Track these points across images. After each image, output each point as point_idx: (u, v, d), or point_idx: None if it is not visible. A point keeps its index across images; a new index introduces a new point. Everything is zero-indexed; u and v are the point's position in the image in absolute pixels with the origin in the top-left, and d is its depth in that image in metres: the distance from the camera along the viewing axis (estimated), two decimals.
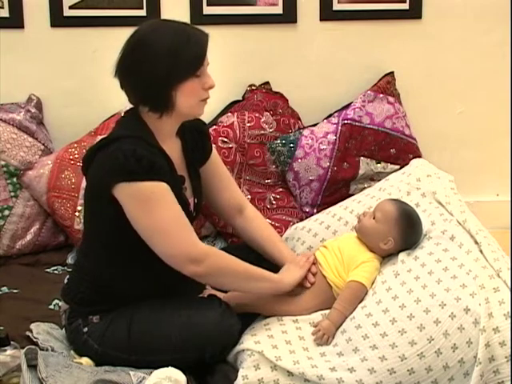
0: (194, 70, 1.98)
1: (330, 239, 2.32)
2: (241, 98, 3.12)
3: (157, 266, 2.01)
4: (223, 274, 2.03)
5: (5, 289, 2.55)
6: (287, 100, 3.13)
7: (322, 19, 3.14)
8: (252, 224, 2.32)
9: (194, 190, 2.18)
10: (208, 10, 3.05)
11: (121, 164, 1.92)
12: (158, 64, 1.96)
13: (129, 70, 2.01)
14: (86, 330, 2.05)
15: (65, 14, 2.98)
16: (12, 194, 2.85)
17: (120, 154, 1.93)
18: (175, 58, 1.96)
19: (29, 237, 2.85)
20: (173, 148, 2.11)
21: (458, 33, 3.22)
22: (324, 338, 2.02)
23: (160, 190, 1.95)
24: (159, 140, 2.05)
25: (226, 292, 2.17)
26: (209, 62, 2.03)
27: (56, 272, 2.72)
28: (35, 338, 2.11)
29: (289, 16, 3.11)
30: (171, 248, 1.97)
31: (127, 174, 1.92)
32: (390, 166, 3.06)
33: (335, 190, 3.03)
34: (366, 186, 3.01)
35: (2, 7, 2.95)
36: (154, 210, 1.94)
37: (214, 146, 2.32)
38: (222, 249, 2.74)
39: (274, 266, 2.27)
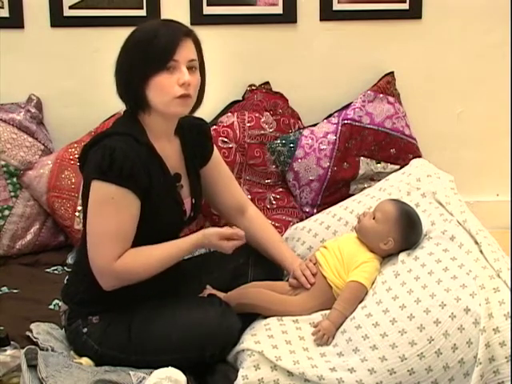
0: (161, 63, 1.96)
1: (330, 239, 2.32)
2: (241, 98, 3.12)
3: None
4: (138, 275, 2.00)
5: (5, 289, 2.55)
6: (287, 100, 3.13)
7: (321, 19, 3.14)
8: (253, 224, 2.32)
9: (193, 190, 2.17)
10: (208, 9, 3.05)
11: (97, 161, 1.95)
12: (128, 60, 1.99)
13: (115, 70, 2.04)
14: (85, 330, 2.05)
15: (65, 14, 2.99)
16: (12, 194, 2.85)
17: (101, 151, 1.95)
18: (142, 52, 1.97)
19: (29, 237, 2.85)
20: (169, 147, 2.11)
21: (458, 33, 3.22)
22: (324, 338, 2.02)
23: (121, 197, 1.95)
24: (152, 138, 2.05)
25: (226, 292, 2.17)
26: (193, 58, 2.00)
27: (56, 272, 2.72)
28: (35, 338, 2.12)
29: (289, 16, 3.11)
30: (92, 256, 1.98)
31: (100, 173, 1.94)
32: (390, 166, 3.06)
33: (335, 189, 3.03)
34: (366, 186, 3.01)
35: (2, 7, 2.95)
36: (103, 214, 1.96)
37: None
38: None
39: (274, 266, 2.28)
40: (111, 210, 1.95)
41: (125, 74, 2.01)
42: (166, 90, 1.97)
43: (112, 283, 2.00)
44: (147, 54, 1.96)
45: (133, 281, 2.00)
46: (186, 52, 1.99)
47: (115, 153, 1.93)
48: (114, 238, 1.96)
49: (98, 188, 1.95)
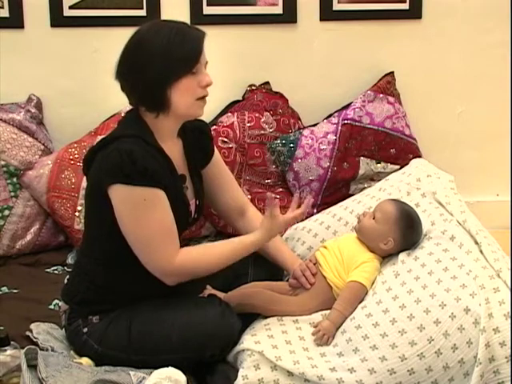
0: (189, 67, 1.98)
1: (329, 239, 2.32)
2: (241, 98, 3.12)
3: None
4: (203, 271, 2.05)
5: (5, 289, 2.55)
6: (287, 100, 3.13)
7: (322, 19, 3.14)
8: (253, 226, 2.31)
9: (196, 192, 2.17)
10: (208, 10, 3.05)
11: (116, 165, 1.93)
12: (153, 62, 1.97)
13: (127, 70, 2.02)
14: (85, 330, 2.05)
15: (65, 14, 2.98)
16: (12, 194, 2.85)
17: (117, 154, 1.93)
18: (169, 56, 1.96)
19: (29, 237, 2.85)
20: (174, 148, 2.11)
21: (458, 33, 3.22)
22: (324, 338, 2.02)
23: (152, 196, 1.95)
24: (159, 140, 2.05)
25: (226, 292, 2.17)
26: (207, 60, 2.03)
27: (56, 272, 2.72)
28: (35, 338, 2.11)
29: (289, 16, 3.11)
30: (149, 260, 1.99)
31: (122, 176, 1.92)
32: (390, 166, 3.06)
33: (335, 189, 3.03)
34: (366, 186, 3.01)
35: (2, 7, 2.95)
36: (142, 218, 1.95)
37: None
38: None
39: (274, 266, 2.28)
40: (147, 212, 1.95)
41: (148, 77, 1.98)
42: (190, 92, 1.99)
43: (176, 279, 2.02)
44: (175, 58, 1.96)
45: (195, 276, 2.04)
46: (204, 54, 2.02)
47: (134, 154, 1.92)
48: (163, 238, 1.97)
49: (125, 192, 1.94)
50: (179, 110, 2.02)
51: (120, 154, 1.92)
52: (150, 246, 1.97)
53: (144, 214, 1.95)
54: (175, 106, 2.00)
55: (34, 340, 2.11)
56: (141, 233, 1.96)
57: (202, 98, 2.03)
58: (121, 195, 1.95)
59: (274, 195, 2.08)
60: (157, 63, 1.96)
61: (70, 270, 2.63)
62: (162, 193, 1.97)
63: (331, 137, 3.04)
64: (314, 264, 2.19)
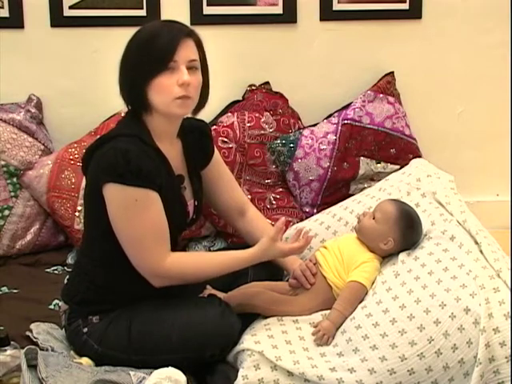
0: (163, 64, 1.95)
1: (329, 240, 2.32)
2: (241, 98, 3.12)
3: None
4: (192, 278, 2.05)
5: (5, 289, 2.55)
6: (287, 100, 3.12)
7: (322, 19, 3.14)
8: (253, 226, 2.32)
9: (195, 193, 2.17)
10: (208, 10, 3.05)
11: (111, 164, 1.93)
12: (130, 61, 1.99)
13: (119, 71, 2.03)
14: (85, 330, 2.05)
15: (65, 14, 2.98)
16: (12, 194, 2.85)
17: (112, 153, 1.93)
18: (143, 53, 1.96)
19: (29, 237, 2.85)
20: (172, 148, 2.11)
21: (458, 33, 3.22)
22: (324, 338, 2.02)
23: (145, 197, 1.95)
24: (157, 140, 2.05)
25: (226, 292, 2.17)
26: (194, 58, 1.99)
27: (56, 272, 2.72)
28: (35, 338, 2.11)
29: (289, 16, 3.11)
30: (139, 260, 1.99)
31: (116, 175, 1.92)
32: (390, 166, 3.06)
33: (335, 189, 3.03)
34: (366, 186, 3.01)
35: (2, 7, 2.95)
36: (133, 218, 1.95)
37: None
38: (222, 249, 2.77)
39: (274, 266, 2.28)
40: (139, 213, 1.94)
41: (128, 75, 2.00)
42: (166, 90, 1.97)
43: (164, 281, 2.01)
44: (148, 55, 1.96)
45: (183, 281, 2.03)
46: (186, 52, 1.98)
47: (129, 154, 1.92)
48: (154, 238, 1.97)
49: (117, 192, 1.94)
50: (159, 109, 2.00)
51: (115, 153, 1.93)
52: (140, 247, 1.97)
53: (135, 215, 1.95)
54: (154, 104, 2.00)
55: (34, 340, 2.11)
56: (132, 233, 1.96)
57: (182, 98, 1.98)
58: (113, 194, 1.95)
59: (286, 219, 2.06)
60: (133, 62, 1.98)
61: (70, 270, 2.63)
62: (155, 194, 1.96)
63: (331, 137, 3.04)
64: (314, 264, 2.19)
